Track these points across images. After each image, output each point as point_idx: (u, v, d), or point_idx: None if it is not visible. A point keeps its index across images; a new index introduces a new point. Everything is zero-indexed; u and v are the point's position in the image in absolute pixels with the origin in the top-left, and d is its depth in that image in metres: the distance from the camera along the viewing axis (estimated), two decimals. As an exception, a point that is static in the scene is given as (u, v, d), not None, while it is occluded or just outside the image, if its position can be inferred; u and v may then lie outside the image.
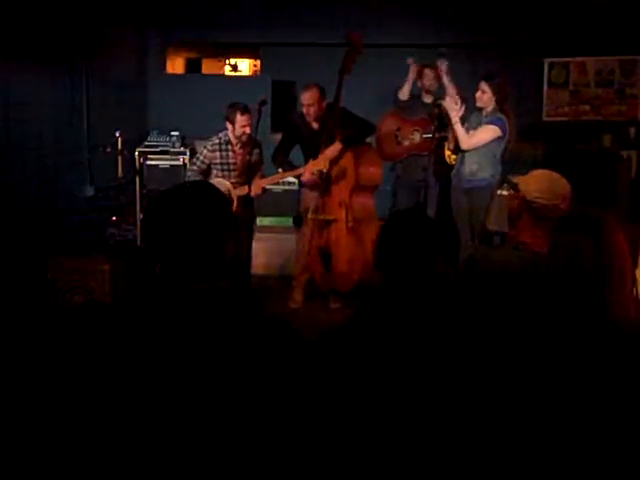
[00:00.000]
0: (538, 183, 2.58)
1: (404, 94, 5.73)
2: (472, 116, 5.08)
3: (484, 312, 2.35)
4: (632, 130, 6.48)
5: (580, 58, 6.72)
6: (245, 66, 8.10)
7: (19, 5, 5.86)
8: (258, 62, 7.58)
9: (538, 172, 2.67)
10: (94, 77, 6.56)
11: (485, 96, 4.91)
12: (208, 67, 7.96)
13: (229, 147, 5.04)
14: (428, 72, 5.67)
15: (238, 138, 4.98)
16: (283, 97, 6.47)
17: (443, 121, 5.39)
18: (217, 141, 5.05)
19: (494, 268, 2.55)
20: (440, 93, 5.62)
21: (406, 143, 5.66)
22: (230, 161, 5.05)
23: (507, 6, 6.59)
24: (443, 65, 5.50)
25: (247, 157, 5.05)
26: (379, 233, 2.12)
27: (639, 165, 6.22)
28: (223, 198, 1.80)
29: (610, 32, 6.37)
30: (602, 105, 6.70)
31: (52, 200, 5.98)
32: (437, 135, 5.22)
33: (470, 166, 4.96)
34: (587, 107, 6.75)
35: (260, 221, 6.17)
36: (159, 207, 1.72)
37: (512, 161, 5.28)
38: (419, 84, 5.76)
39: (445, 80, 5.49)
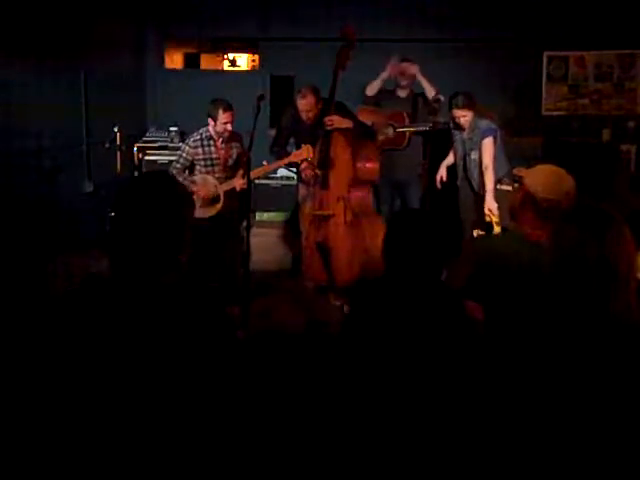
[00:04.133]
0: (544, 178, 2.54)
1: (372, 91, 5.71)
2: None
3: (485, 300, 2.34)
4: (631, 124, 6.47)
5: (579, 52, 6.70)
6: (243, 61, 8.08)
7: (18, 2, 5.84)
8: (256, 57, 7.56)
9: (545, 167, 2.63)
10: (92, 72, 6.53)
11: (467, 117, 5.09)
12: (206, 62, 7.94)
13: (211, 142, 5.05)
14: (401, 77, 5.67)
15: (220, 134, 4.99)
16: (281, 92, 6.46)
17: (416, 114, 5.49)
18: (198, 137, 5.07)
19: (495, 255, 2.55)
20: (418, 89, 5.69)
21: (380, 137, 5.63)
22: (213, 156, 5.06)
23: (506, 0, 6.58)
24: (414, 70, 5.58)
25: (230, 152, 5.08)
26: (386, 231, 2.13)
27: (638, 159, 6.21)
28: (181, 191, 1.77)
29: (609, 26, 6.36)
30: (601, 99, 6.70)
31: (51, 196, 5.96)
32: (411, 128, 5.31)
33: (479, 179, 5.12)
34: (586, 101, 6.74)
35: (259, 216, 6.17)
36: (119, 200, 1.69)
37: (512, 156, 5.31)
38: (395, 80, 5.72)
39: (422, 81, 5.56)
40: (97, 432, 1.48)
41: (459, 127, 5.18)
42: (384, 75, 5.67)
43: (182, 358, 1.53)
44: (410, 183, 5.71)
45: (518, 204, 2.59)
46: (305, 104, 4.98)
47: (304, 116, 5.03)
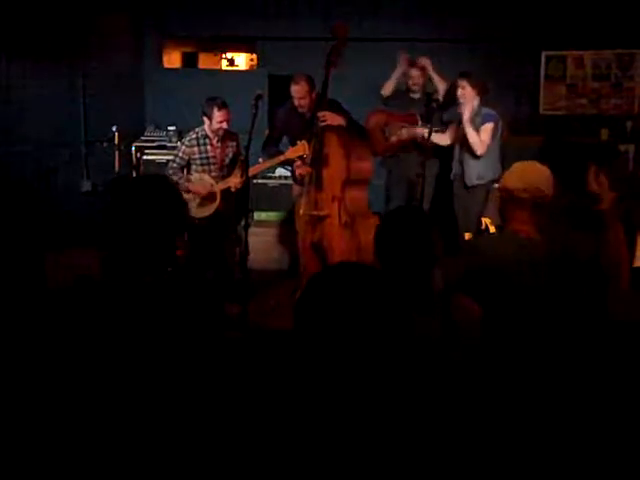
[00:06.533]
0: (517, 173, 2.64)
1: (387, 90, 5.69)
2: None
3: (482, 298, 2.34)
4: (629, 124, 6.48)
5: (577, 52, 6.71)
6: (242, 60, 8.08)
7: (16, 2, 5.83)
8: (255, 56, 7.56)
9: (517, 164, 2.72)
10: (91, 72, 6.53)
11: (465, 91, 5.05)
12: (204, 61, 7.94)
13: (207, 141, 5.05)
14: (414, 71, 5.64)
15: (215, 132, 4.99)
16: (280, 91, 6.45)
17: (430, 115, 5.47)
18: (194, 136, 5.06)
19: (491, 253, 2.55)
20: (429, 88, 5.65)
21: (394, 139, 5.62)
22: (209, 155, 5.06)
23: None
24: (426, 62, 5.55)
25: (225, 150, 5.08)
26: (378, 227, 2.12)
27: (636, 159, 6.21)
28: (175, 194, 1.76)
29: (607, 26, 6.36)
30: (599, 99, 6.70)
31: (49, 195, 5.97)
32: (425, 130, 5.30)
33: (477, 169, 5.10)
34: (584, 101, 6.74)
35: (257, 216, 6.17)
36: (112, 200, 1.70)
37: (510, 155, 5.30)
38: (405, 81, 5.71)
39: (432, 75, 5.54)
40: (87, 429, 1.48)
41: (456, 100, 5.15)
42: (397, 72, 5.64)
43: (165, 355, 1.54)
44: (417, 183, 5.68)
45: (502, 205, 2.67)
46: (299, 90, 4.96)
47: (297, 103, 5.00)
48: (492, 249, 2.55)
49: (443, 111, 5.49)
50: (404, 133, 5.59)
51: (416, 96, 5.69)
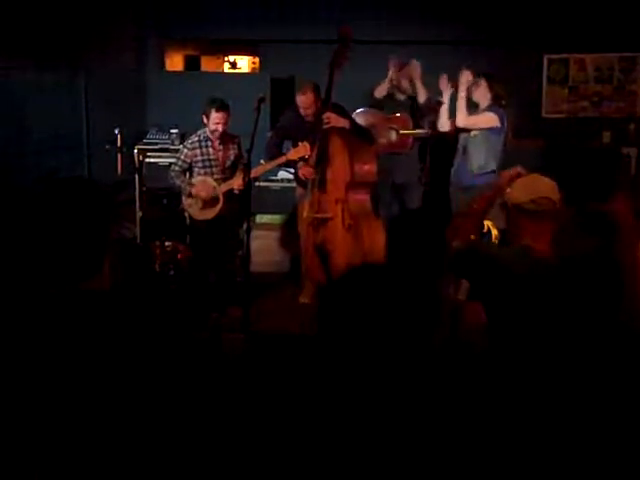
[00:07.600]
0: (522, 185, 2.61)
1: (380, 93, 5.65)
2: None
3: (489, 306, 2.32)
4: (631, 127, 6.47)
5: (579, 55, 6.71)
6: (244, 63, 8.09)
7: (19, 4, 5.84)
8: (257, 59, 7.57)
9: (519, 180, 2.70)
10: (93, 75, 6.54)
11: (480, 89, 5.02)
12: (207, 64, 7.96)
13: (208, 143, 5.05)
14: (402, 81, 5.60)
15: (212, 134, 5.00)
16: (282, 94, 6.46)
17: (418, 117, 5.44)
18: (196, 139, 5.07)
19: (505, 269, 2.51)
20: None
21: (382, 141, 5.57)
22: (211, 157, 5.06)
23: (506, 2, 6.59)
24: (416, 68, 5.50)
25: (227, 153, 5.08)
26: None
27: (639, 161, 6.21)
28: (96, 197, 1.70)
29: (609, 29, 6.36)
30: (601, 102, 6.70)
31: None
32: (413, 132, 5.27)
33: (478, 161, 5.04)
34: (586, 104, 6.74)
35: (259, 218, 6.17)
36: (35, 206, 1.67)
37: (512, 158, 5.30)
38: (395, 82, 5.65)
39: (417, 83, 5.50)
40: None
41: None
42: (390, 76, 5.62)
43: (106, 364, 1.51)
44: (409, 186, 5.68)
45: (511, 222, 2.63)
46: (304, 100, 4.97)
47: (303, 112, 5.01)
48: (505, 262, 2.49)
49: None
50: (393, 136, 5.56)
51: (402, 97, 5.66)
